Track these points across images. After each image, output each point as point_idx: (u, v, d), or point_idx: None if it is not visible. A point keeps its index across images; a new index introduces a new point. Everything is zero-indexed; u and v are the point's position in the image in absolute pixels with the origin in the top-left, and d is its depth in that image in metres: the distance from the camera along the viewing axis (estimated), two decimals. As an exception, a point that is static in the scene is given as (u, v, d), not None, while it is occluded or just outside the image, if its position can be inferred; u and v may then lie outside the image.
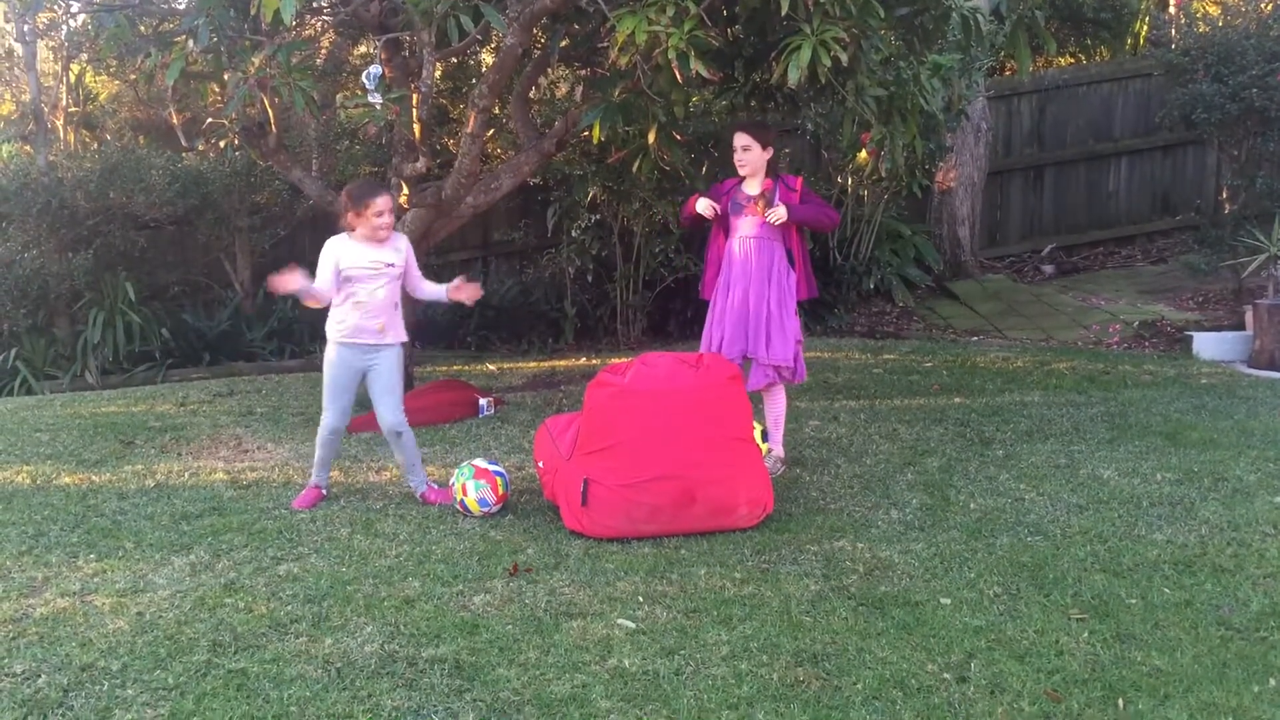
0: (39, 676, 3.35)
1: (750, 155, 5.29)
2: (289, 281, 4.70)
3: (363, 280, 4.87)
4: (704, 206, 5.32)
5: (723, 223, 5.42)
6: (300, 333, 9.62)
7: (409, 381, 7.03)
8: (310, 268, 4.91)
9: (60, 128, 10.22)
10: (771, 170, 5.37)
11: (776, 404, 5.46)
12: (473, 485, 4.79)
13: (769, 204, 5.26)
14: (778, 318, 5.31)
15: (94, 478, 5.55)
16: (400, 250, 5.01)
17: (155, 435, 6.45)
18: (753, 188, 5.35)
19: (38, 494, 5.27)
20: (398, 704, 3.17)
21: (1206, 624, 3.63)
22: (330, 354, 4.96)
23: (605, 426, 4.60)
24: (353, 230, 4.90)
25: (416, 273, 5.14)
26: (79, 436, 6.41)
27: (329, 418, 4.98)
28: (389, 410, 4.98)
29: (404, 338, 5.10)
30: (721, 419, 4.62)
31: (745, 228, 5.34)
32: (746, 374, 5.25)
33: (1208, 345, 7.98)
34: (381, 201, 4.84)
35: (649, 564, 4.21)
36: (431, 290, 5.16)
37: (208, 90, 6.66)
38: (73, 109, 10.42)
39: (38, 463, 5.83)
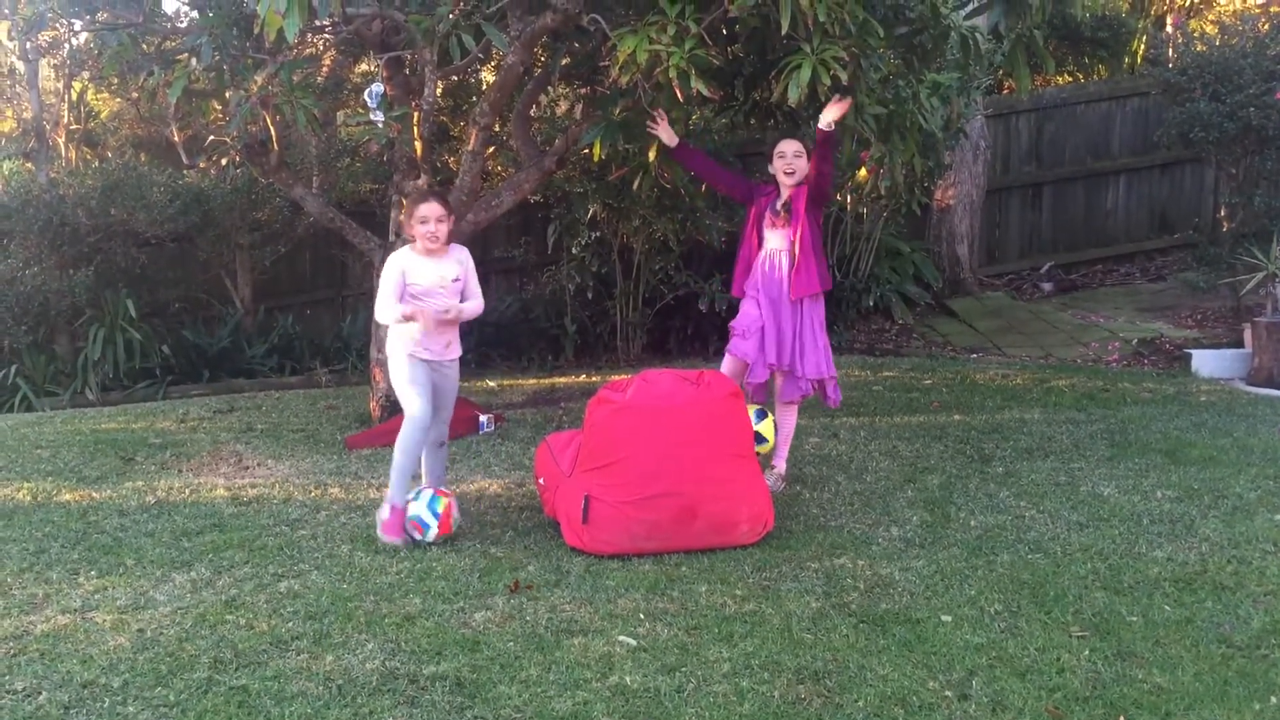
0: (40, 694, 3.35)
1: (801, 162, 5.28)
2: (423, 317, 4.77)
3: (429, 295, 4.84)
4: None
5: (756, 227, 5.43)
6: (300, 350, 9.62)
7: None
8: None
9: (62, 145, 10.26)
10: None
11: (788, 421, 5.47)
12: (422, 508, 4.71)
13: (789, 211, 5.29)
14: (810, 332, 5.33)
15: (94, 494, 5.55)
16: (462, 263, 5.00)
17: (156, 452, 6.45)
18: (793, 173, 5.33)
19: (38, 511, 5.27)
20: (399, 721, 3.17)
21: (1207, 642, 3.63)
22: (401, 360, 4.86)
23: (606, 443, 4.60)
24: (412, 240, 4.91)
25: (474, 287, 5.06)
26: (79, 453, 6.41)
27: (421, 406, 4.77)
28: (441, 425, 5.03)
29: (460, 353, 5.09)
30: (722, 435, 4.62)
31: (774, 240, 5.35)
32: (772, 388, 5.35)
33: (1207, 363, 7.99)
34: (426, 208, 4.81)
35: (650, 581, 4.21)
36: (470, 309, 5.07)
37: (209, 108, 6.70)
38: (74, 126, 10.46)
39: (38, 479, 5.83)
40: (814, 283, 5.29)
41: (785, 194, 5.34)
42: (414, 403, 4.78)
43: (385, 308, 4.83)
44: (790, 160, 5.30)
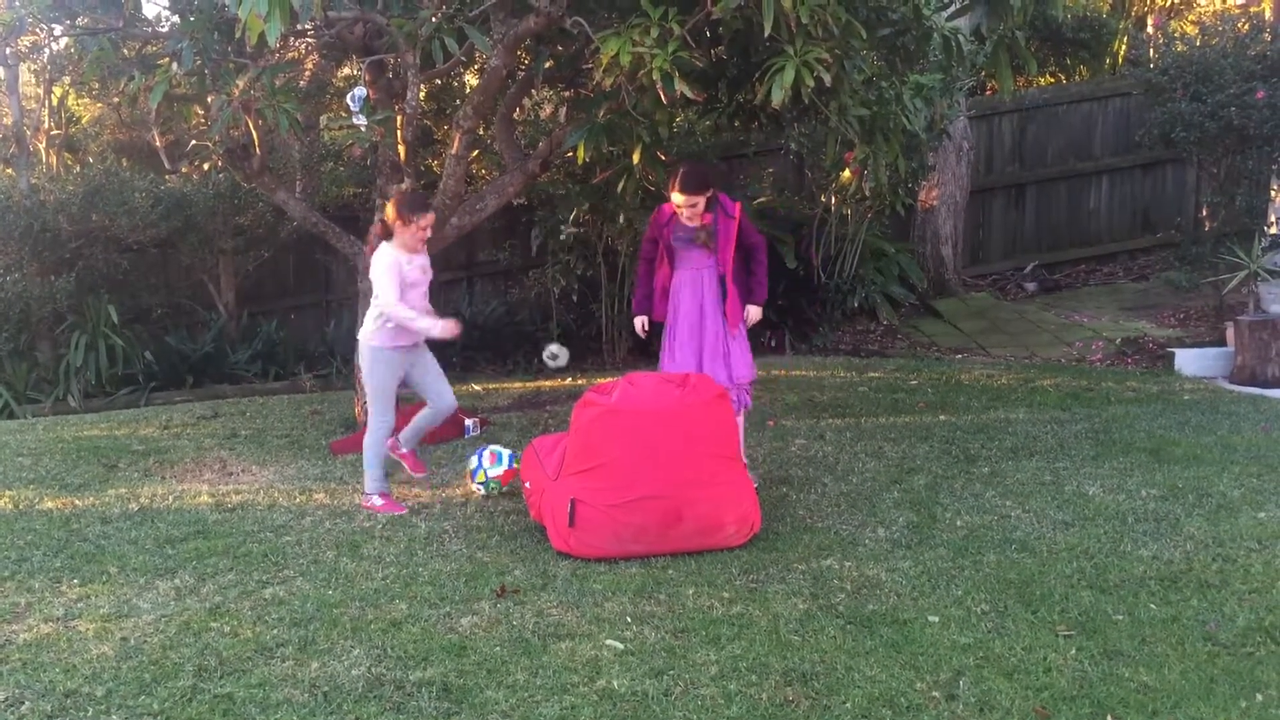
0: (22, 703, 3.32)
1: (698, 209, 5.28)
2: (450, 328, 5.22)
3: (414, 286, 5.22)
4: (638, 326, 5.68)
5: (668, 253, 5.45)
6: (284, 355, 9.58)
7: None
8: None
9: (42, 150, 10.20)
10: (708, 203, 5.32)
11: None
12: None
13: (710, 236, 5.32)
14: (738, 339, 5.41)
15: (77, 502, 5.51)
16: (427, 256, 5.40)
17: (139, 458, 6.41)
18: (694, 220, 5.34)
19: (20, 519, 5.23)
20: (385, 728, 3.15)
21: (1193, 640, 3.64)
22: (378, 360, 5.23)
23: (592, 446, 4.59)
24: (392, 237, 5.18)
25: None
26: (62, 460, 6.37)
27: (389, 419, 5.27)
28: (448, 392, 5.43)
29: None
30: (707, 438, 4.62)
31: (696, 260, 5.37)
32: None
33: (1190, 361, 8.03)
34: (430, 217, 5.24)
35: (637, 584, 4.21)
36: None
37: (191, 113, 6.66)
38: (55, 132, 10.39)
39: (20, 487, 5.79)
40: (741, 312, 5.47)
41: (699, 221, 5.33)
42: (386, 412, 5.27)
43: (394, 299, 5.11)
44: (688, 211, 5.28)
